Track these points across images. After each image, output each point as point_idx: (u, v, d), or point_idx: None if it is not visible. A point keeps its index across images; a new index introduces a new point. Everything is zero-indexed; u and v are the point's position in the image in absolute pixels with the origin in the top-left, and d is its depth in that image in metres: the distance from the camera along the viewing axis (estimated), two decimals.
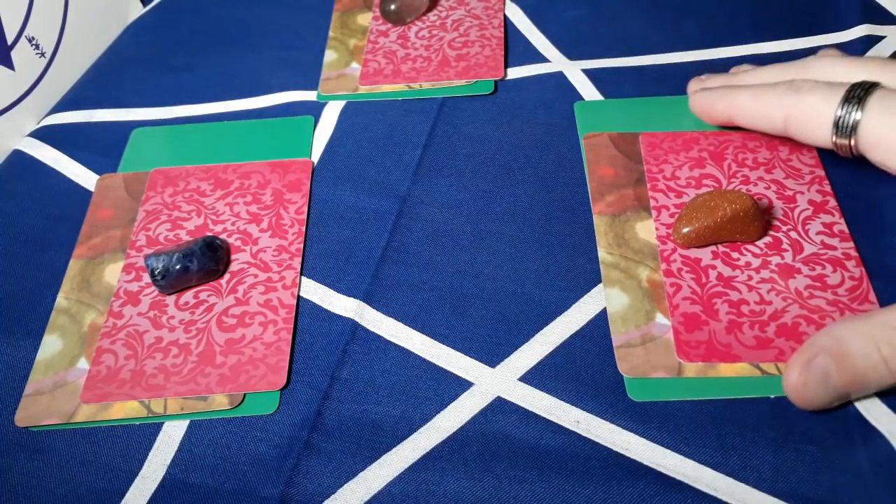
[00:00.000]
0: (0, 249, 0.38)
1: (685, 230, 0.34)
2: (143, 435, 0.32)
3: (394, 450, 0.31)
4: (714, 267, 0.34)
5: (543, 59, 0.45)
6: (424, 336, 0.34)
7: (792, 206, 0.36)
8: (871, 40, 0.44)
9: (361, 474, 0.30)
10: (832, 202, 0.36)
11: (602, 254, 0.35)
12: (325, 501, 0.30)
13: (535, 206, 0.38)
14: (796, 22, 0.46)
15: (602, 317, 0.34)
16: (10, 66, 0.44)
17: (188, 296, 0.36)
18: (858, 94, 0.32)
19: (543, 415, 0.31)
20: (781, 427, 0.30)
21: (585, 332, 0.33)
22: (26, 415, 0.32)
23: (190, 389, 0.32)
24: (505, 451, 0.30)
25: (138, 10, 0.54)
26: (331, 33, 0.48)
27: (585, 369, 0.32)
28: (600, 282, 0.35)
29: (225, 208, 0.39)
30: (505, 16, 0.48)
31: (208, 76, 0.47)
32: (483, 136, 0.42)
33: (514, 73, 0.45)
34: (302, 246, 0.37)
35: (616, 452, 0.30)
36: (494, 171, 0.40)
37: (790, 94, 0.34)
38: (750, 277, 0.33)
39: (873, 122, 0.32)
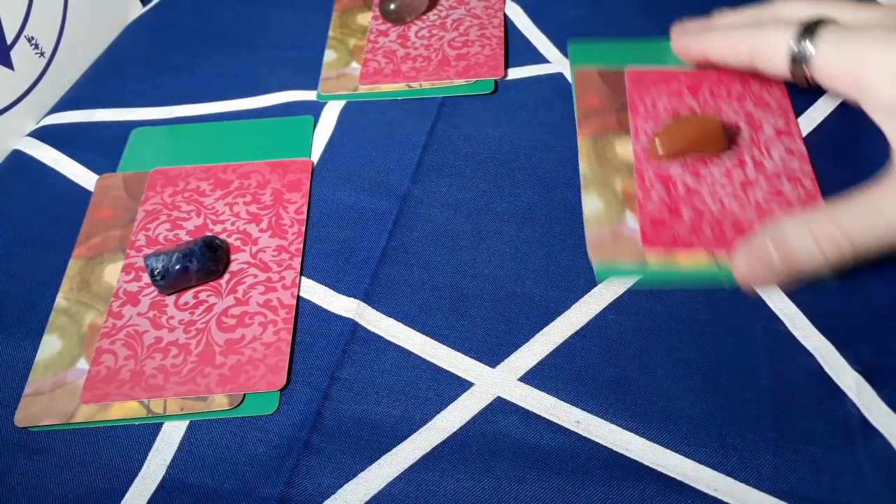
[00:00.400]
0: None
1: (658, 142, 0.38)
2: (142, 435, 0.32)
3: (394, 450, 0.31)
4: (683, 180, 0.37)
5: (543, 60, 0.45)
6: (424, 336, 0.34)
7: (758, 131, 0.39)
8: None
9: (361, 475, 0.30)
10: (795, 128, 0.39)
11: (583, 168, 0.39)
12: (325, 502, 0.29)
13: (535, 206, 0.38)
14: None
15: (603, 317, 0.34)
16: (9, 65, 0.44)
17: (188, 296, 0.35)
18: (812, 28, 0.35)
19: (544, 415, 0.31)
20: (781, 427, 0.30)
21: (586, 332, 0.33)
22: (26, 415, 0.32)
23: (189, 390, 0.32)
24: (505, 452, 0.30)
25: (138, 10, 0.53)
26: (330, 33, 0.48)
27: (585, 369, 0.32)
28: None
29: (224, 208, 0.39)
30: (505, 15, 0.48)
31: (208, 76, 0.47)
32: (483, 135, 0.42)
33: (515, 73, 0.45)
34: (302, 246, 0.37)
35: (616, 452, 0.30)
36: (494, 171, 0.40)
37: (753, 31, 0.38)
38: (714, 190, 0.37)
39: (824, 54, 0.35)
